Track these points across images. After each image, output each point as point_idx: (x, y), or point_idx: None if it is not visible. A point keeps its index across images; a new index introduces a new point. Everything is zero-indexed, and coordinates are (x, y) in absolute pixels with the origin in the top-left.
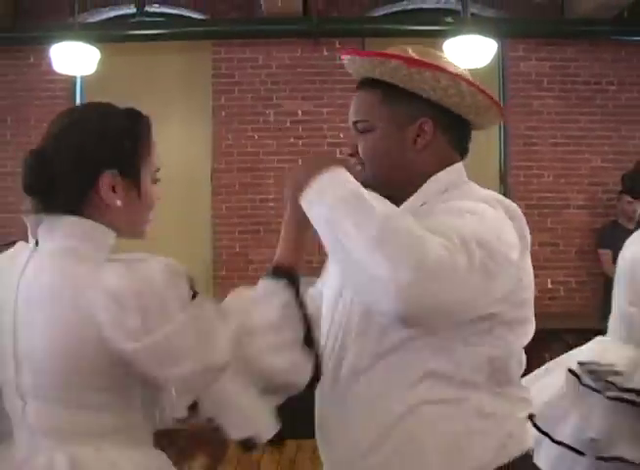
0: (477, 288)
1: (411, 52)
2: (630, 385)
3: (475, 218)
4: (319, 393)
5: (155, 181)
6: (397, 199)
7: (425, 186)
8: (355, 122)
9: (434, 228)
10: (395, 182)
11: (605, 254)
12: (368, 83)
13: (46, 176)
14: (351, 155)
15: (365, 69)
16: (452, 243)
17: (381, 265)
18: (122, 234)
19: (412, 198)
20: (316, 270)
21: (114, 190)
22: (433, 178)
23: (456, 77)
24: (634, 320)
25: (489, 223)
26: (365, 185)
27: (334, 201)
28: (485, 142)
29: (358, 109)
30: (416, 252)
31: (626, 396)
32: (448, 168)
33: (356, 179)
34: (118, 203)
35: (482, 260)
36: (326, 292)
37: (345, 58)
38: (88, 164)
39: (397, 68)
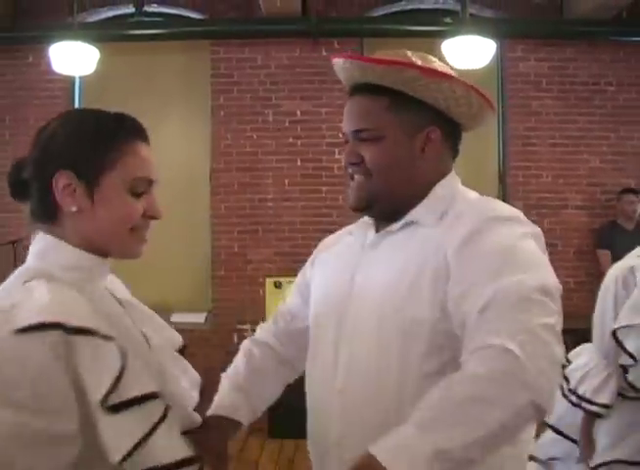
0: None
1: (414, 58)
2: (572, 384)
3: (516, 261)
4: (338, 411)
5: (136, 194)
6: (400, 211)
7: (432, 196)
8: (359, 131)
9: (500, 306)
10: (402, 192)
11: (604, 254)
12: (369, 90)
13: (18, 182)
14: (354, 164)
15: (371, 75)
16: (525, 329)
17: (523, 405)
18: (110, 253)
19: (421, 209)
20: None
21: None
22: (439, 186)
23: (469, 88)
24: (596, 331)
25: (527, 256)
26: (371, 198)
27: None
28: (484, 143)
29: (361, 116)
30: (520, 371)
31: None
32: (448, 176)
33: (361, 191)
34: (73, 208)
35: (552, 306)
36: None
37: (344, 61)
38: (45, 164)
39: (415, 78)
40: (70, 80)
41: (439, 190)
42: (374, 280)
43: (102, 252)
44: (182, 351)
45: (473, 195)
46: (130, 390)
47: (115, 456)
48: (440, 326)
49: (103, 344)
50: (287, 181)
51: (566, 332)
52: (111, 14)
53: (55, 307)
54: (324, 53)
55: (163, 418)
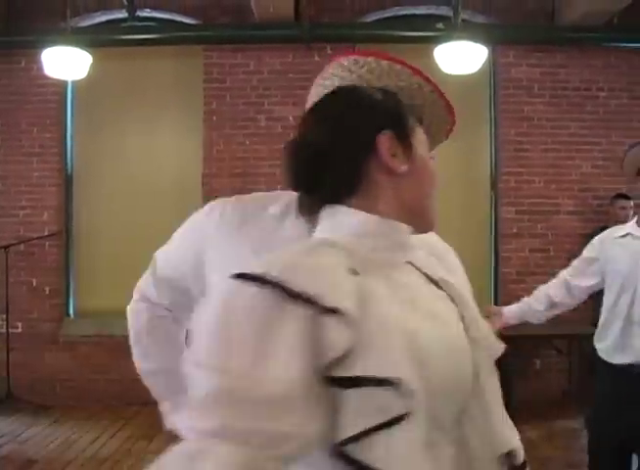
0: None
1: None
2: None
3: None
4: None
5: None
6: None
7: None
8: None
9: None
10: None
11: None
12: None
13: (315, 157)
14: None
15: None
16: None
17: None
18: (414, 222)
19: None
20: None
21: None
22: None
23: None
24: None
25: None
26: None
27: None
28: (476, 148)
29: None
30: None
31: None
32: None
33: None
34: (403, 168)
35: None
36: None
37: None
38: (360, 128)
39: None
40: (63, 85)
41: None
42: None
43: (407, 222)
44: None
45: None
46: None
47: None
48: None
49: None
50: (279, 187)
51: (559, 337)
52: (104, 18)
53: (288, 263)
54: (317, 58)
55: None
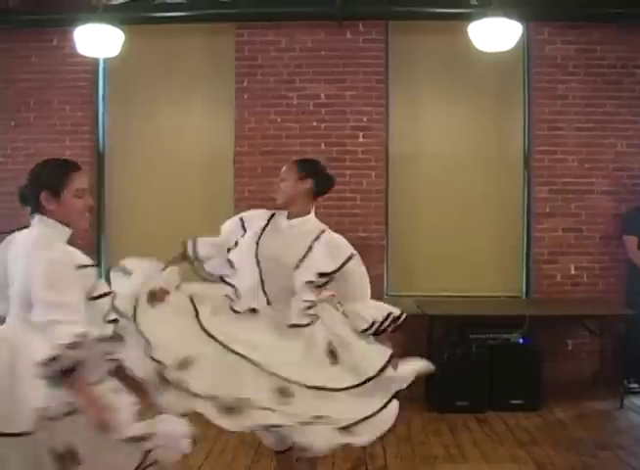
0: None
1: None
2: None
3: None
4: None
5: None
6: None
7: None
8: None
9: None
10: None
11: (630, 239)
12: None
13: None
14: None
15: None
16: None
17: None
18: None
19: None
20: None
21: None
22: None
23: None
24: None
25: None
26: None
27: None
28: (509, 126)
29: None
30: None
31: None
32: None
33: None
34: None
35: None
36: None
37: None
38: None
39: None
40: (95, 63)
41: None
42: None
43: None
44: None
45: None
46: None
47: None
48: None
49: None
50: None
51: (591, 318)
52: None
53: None
54: (349, 36)
55: None
